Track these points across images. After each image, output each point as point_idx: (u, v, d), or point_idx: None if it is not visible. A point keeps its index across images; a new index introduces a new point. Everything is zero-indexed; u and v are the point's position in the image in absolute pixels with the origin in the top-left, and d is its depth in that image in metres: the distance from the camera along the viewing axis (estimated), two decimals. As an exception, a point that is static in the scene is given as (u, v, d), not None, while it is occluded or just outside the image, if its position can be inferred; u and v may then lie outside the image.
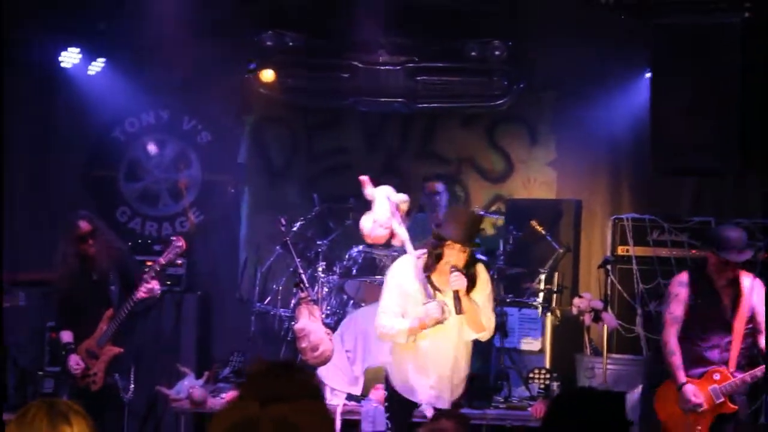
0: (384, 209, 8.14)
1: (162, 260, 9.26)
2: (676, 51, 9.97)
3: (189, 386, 10.23)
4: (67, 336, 9.20)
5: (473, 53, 11.55)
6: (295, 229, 10.80)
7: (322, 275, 10.73)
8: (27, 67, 11.75)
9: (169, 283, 11.46)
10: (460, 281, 7.35)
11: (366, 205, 8.27)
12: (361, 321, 10.27)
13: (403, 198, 8.14)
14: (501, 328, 10.59)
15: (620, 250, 10.77)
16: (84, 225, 9.09)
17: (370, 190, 8.00)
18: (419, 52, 11.72)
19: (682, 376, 8.11)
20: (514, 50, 11.53)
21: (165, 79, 12.18)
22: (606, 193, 11.86)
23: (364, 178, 8.12)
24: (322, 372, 9.79)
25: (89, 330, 9.18)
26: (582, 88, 11.73)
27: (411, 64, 11.70)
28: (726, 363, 8.12)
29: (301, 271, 9.58)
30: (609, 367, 10.15)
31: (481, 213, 11.22)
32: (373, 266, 10.66)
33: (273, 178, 12.54)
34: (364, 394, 10.03)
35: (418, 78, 11.75)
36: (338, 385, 10.19)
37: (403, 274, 7.64)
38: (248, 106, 12.48)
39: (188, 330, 11.57)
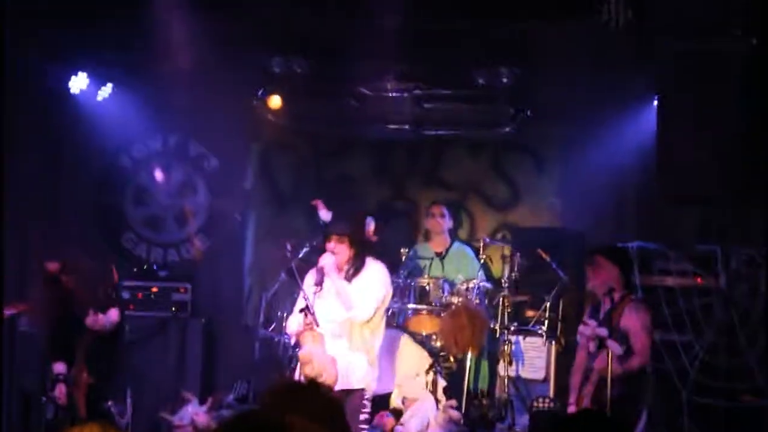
0: None
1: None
2: (682, 77, 9.93)
3: (192, 412, 10.18)
4: (59, 367, 9.17)
5: (480, 80, 11.53)
6: (300, 255, 10.77)
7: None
8: (34, 93, 11.66)
9: (174, 309, 11.48)
10: (327, 258, 8.42)
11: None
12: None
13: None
14: (505, 355, 10.56)
15: (625, 279, 10.68)
16: (52, 265, 9.13)
17: (324, 214, 8.26)
18: (426, 79, 11.72)
19: None
20: (520, 77, 11.49)
21: (172, 105, 12.13)
22: (611, 221, 11.76)
23: (318, 202, 8.43)
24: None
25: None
26: (588, 115, 11.64)
27: (418, 91, 11.70)
28: None
29: (307, 297, 9.53)
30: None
31: (487, 240, 11.23)
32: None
33: (279, 205, 12.52)
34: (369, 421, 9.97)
35: (425, 105, 11.76)
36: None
37: (308, 281, 8.68)
38: (256, 133, 12.48)
39: (192, 356, 11.58)
